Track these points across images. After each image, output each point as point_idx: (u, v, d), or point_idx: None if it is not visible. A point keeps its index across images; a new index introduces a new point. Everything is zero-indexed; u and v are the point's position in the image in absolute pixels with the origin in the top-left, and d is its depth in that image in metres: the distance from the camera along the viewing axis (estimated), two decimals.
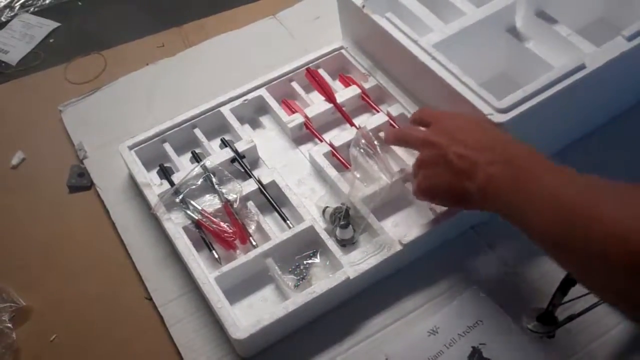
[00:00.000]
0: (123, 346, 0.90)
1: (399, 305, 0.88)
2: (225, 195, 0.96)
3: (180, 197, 0.97)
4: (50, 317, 0.95)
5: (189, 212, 0.95)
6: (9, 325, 0.92)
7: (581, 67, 0.93)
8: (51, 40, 1.35)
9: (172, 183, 0.99)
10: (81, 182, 1.09)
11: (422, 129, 0.87)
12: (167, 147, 1.05)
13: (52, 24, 1.37)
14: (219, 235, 0.93)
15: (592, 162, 0.99)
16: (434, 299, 0.88)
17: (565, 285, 0.78)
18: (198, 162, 1.01)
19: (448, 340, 0.83)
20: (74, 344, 0.92)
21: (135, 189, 1.05)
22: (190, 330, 0.89)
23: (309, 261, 0.92)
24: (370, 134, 0.98)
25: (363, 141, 0.97)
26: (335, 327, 0.87)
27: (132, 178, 1.05)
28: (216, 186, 0.98)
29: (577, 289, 0.79)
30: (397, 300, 0.89)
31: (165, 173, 1.01)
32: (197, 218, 0.94)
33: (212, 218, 0.94)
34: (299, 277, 0.90)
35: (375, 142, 0.98)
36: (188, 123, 1.07)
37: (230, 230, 0.93)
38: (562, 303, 0.76)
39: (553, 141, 1.00)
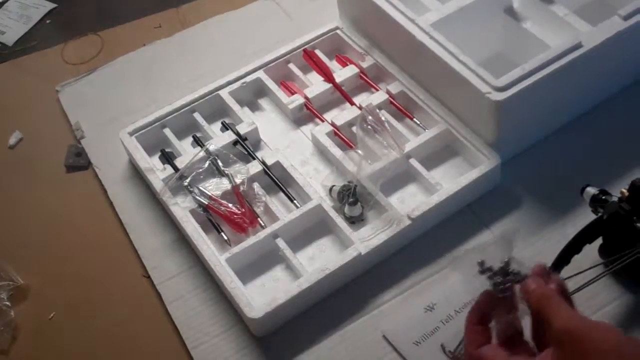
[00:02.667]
0: (121, 323, 0.92)
1: (399, 282, 0.89)
2: (234, 178, 0.96)
3: (187, 181, 0.97)
4: (48, 295, 0.96)
5: (197, 196, 0.95)
6: (7, 303, 0.93)
7: (578, 46, 0.94)
8: (48, 21, 1.34)
9: (175, 168, 0.99)
10: (79, 162, 1.09)
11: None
12: (168, 132, 1.06)
13: (48, 5, 1.36)
14: (229, 218, 0.93)
15: (590, 141, 1.00)
16: (431, 276, 0.89)
17: (560, 263, 0.78)
18: (200, 146, 1.02)
19: (444, 317, 0.84)
20: (73, 321, 0.93)
21: (133, 169, 1.05)
22: (188, 308, 0.90)
23: None
24: (377, 110, 0.99)
25: (370, 118, 0.98)
26: (342, 305, 0.88)
27: (132, 163, 1.05)
28: (223, 169, 0.97)
29: (572, 267, 0.79)
30: (398, 277, 0.90)
31: (168, 158, 1.01)
32: (206, 202, 0.94)
33: (221, 201, 0.94)
34: None
35: (382, 118, 0.98)
36: (187, 107, 1.08)
37: (240, 212, 0.93)
38: None
39: (550, 120, 1.02)
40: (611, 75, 1.03)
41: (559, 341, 0.56)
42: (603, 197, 0.83)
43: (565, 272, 0.79)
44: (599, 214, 0.83)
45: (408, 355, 0.82)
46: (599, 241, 0.84)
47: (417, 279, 0.89)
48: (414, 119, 1.03)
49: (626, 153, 0.99)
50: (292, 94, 1.08)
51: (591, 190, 0.85)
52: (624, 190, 0.81)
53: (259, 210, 0.94)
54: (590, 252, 0.83)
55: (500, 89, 0.91)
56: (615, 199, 0.82)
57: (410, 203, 0.94)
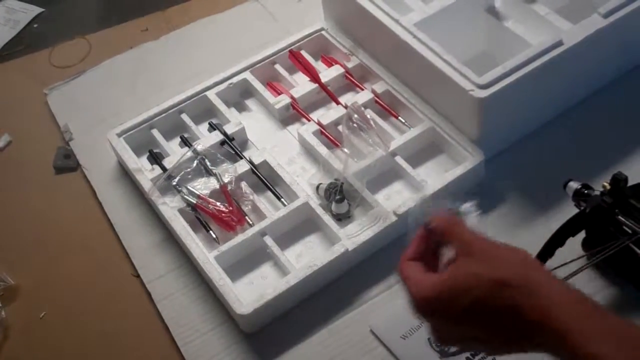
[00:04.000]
0: (111, 322, 0.92)
1: (386, 278, 0.91)
2: (222, 177, 0.97)
3: (176, 181, 0.98)
4: (39, 295, 0.96)
5: (185, 195, 0.96)
6: None
7: (559, 44, 0.96)
8: (35, 25, 1.35)
9: (163, 168, 1.00)
10: (67, 164, 1.10)
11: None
12: (155, 132, 1.07)
13: (35, 9, 1.37)
14: (217, 216, 0.94)
15: (572, 137, 1.02)
16: None
17: (543, 256, 0.80)
18: (188, 146, 1.03)
19: None
20: (63, 320, 0.94)
21: (121, 170, 1.06)
22: (178, 306, 0.91)
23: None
24: (362, 108, 1.01)
25: (356, 116, 0.99)
26: (330, 301, 0.89)
27: (120, 164, 1.06)
28: (211, 169, 0.98)
29: (555, 260, 0.81)
30: (385, 273, 0.91)
31: (156, 158, 1.02)
32: (195, 202, 0.95)
33: (209, 200, 0.95)
34: None
35: (368, 116, 0.99)
36: (175, 109, 1.09)
37: (228, 211, 0.94)
38: None
39: (533, 116, 1.03)
40: (592, 72, 1.05)
41: (468, 251, 0.60)
42: (585, 191, 0.85)
43: (549, 264, 0.80)
44: (582, 208, 0.85)
45: (395, 349, 0.83)
46: (582, 234, 0.85)
47: (396, 275, 0.90)
48: (399, 118, 1.05)
49: (608, 148, 1.00)
50: (279, 94, 1.09)
51: (573, 185, 0.86)
52: (606, 184, 0.83)
53: (246, 208, 0.95)
54: (574, 245, 0.84)
55: (483, 87, 0.93)
56: (597, 192, 0.84)
57: (396, 200, 0.96)
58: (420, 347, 0.82)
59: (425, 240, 0.65)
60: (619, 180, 0.81)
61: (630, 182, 0.83)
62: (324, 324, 0.87)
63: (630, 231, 0.81)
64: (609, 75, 1.08)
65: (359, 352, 0.84)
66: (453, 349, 0.80)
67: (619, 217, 0.81)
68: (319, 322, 0.87)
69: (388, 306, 0.87)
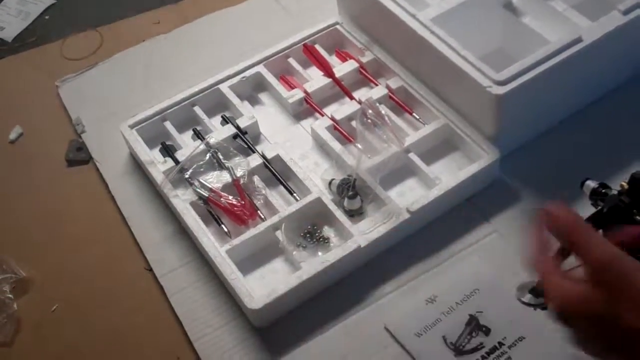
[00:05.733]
0: (123, 316, 0.92)
1: (400, 275, 0.90)
2: (234, 171, 0.97)
3: (188, 174, 0.98)
4: (50, 288, 0.96)
5: (197, 188, 0.96)
6: (10, 295, 0.93)
7: (578, 41, 0.95)
8: (46, 17, 1.34)
9: (176, 160, 0.99)
10: (79, 156, 1.09)
11: None
12: (168, 125, 1.06)
13: (47, 1, 1.37)
14: (230, 210, 0.94)
15: (589, 135, 1.01)
16: (432, 269, 0.90)
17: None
18: (201, 139, 1.02)
19: (446, 309, 0.84)
20: (75, 314, 0.93)
21: (134, 163, 1.06)
22: (190, 300, 0.91)
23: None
24: (377, 104, 1.00)
25: (370, 111, 0.99)
26: (342, 297, 0.89)
27: (132, 155, 1.05)
28: (224, 162, 0.98)
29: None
30: (398, 270, 0.90)
31: (169, 151, 1.02)
32: (207, 195, 0.95)
33: (222, 194, 0.94)
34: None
35: (382, 112, 0.98)
36: (187, 101, 1.08)
37: (240, 204, 0.94)
38: None
39: (550, 114, 1.02)
40: (611, 69, 1.03)
41: (598, 277, 0.56)
42: (603, 191, 0.84)
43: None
44: (599, 207, 0.84)
45: (410, 346, 0.82)
46: None
47: (417, 271, 0.90)
48: (414, 114, 1.04)
49: (626, 147, 0.99)
50: (292, 88, 1.09)
51: (591, 184, 0.85)
52: (624, 183, 0.82)
53: (259, 203, 0.95)
54: None
55: (501, 83, 0.92)
56: (615, 192, 0.83)
57: (409, 197, 0.95)
58: (435, 345, 0.82)
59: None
60: (637, 180, 0.80)
61: None
62: (337, 320, 0.86)
63: None
64: (628, 73, 1.07)
65: (372, 349, 0.83)
66: (469, 347, 0.80)
67: (637, 217, 0.80)
68: (331, 318, 0.87)
69: (402, 303, 0.87)
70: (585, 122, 1.03)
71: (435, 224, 0.94)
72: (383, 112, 0.99)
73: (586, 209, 0.84)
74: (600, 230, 0.84)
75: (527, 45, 0.99)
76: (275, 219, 0.92)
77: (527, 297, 0.74)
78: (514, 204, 0.96)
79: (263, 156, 0.99)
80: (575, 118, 1.04)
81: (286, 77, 1.12)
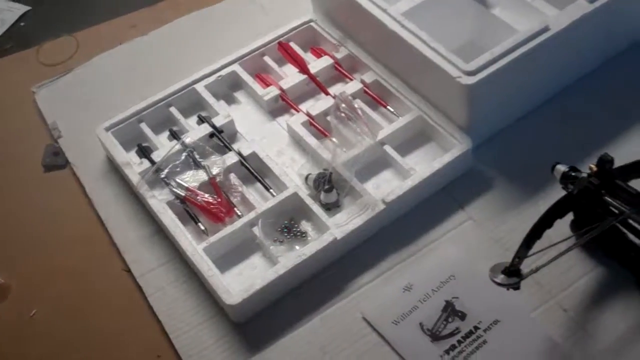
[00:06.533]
0: (103, 317, 0.92)
1: (377, 265, 0.91)
2: (210, 170, 0.97)
3: (164, 174, 0.98)
4: (29, 293, 0.96)
5: (173, 188, 0.96)
6: None
7: (545, 30, 0.96)
8: (22, 24, 1.35)
9: (152, 161, 1.00)
10: (56, 161, 1.09)
11: None
12: (144, 126, 1.06)
13: (22, 8, 1.37)
14: (206, 208, 0.94)
15: (560, 121, 1.02)
16: (408, 258, 0.91)
17: (531, 238, 0.80)
18: (177, 139, 1.02)
19: (422, 296, 0.85)
20: (54, 317, 0.93)
21: (110, 166, 1.06)
22: (169, 299, 0.92)
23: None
24: (350, 98, 1.01)
25: (343, 105, 1.00)
26: (320, 289, 0.90)
27: (109, 158, 1.06)
28: (200, 161, 0.99)
29: (546, 240, 0.81)
30: (375, 260, 0.91)
31: (145, 152, 1.02)
32: (183, 194, 0.95)
33: (198, 192, 0.95)
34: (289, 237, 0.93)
35: (355, 106, 0.99)
36: (163, 102, 1.08)
37: (216, 202, 0.94)
38: (528, 256, 0.77)
39: (521, 102, 1.04)
40: (579, 57, 1.05)
41: None
42: (573, 174, 0.85)
43: (537, 246, 0.80)
44: (570, 190, 0.85)
45: (387, 334, 0.83)
46: (570, 217, 0.85)
47: (394, 261, 0.91)
48: (388, 107, 1.05)
49: (595, 131, 1.01)
50: (268, 86, 1.09)
51: (561, 168, 0.86)
52: (592, 166, 0.83)
53: (235, 200, 0.95)
54: (563, 227, 0.84)
55: (470, 73, 0.93)
56: (584, 174, 0.84)
57: (385, 188, 0.96)
58: (411, 332, 0.82)
59: None
60: (605, 162, 0.82)
61: (618, 164, 0.83)
62: (316, 312, 0.87)
63: (617, 211, 0.81)
64: (596, 60, 1.09)
65: (351, 339, 0.84)
66: (446, 332, 0.81)
67: (606, 198, 0.81)
68: (310, 310, 0.87)
69: (379, 293, 0.88)
70: (555, 110, 1.05)
71: (411, 214, 0.95)
72: (357, 106, 1.00)
73: (557, 193, 0.86)
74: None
75: (498, 36, 1.00)
76: (251, 215, 0.92)
77: (500, 278, 0.75)
78: (488, 191, 0.97)
79: (239, 154, 1.00)
80: (546, 106, 1.05)
81: (262, 75, 1.12)
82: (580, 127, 1.02)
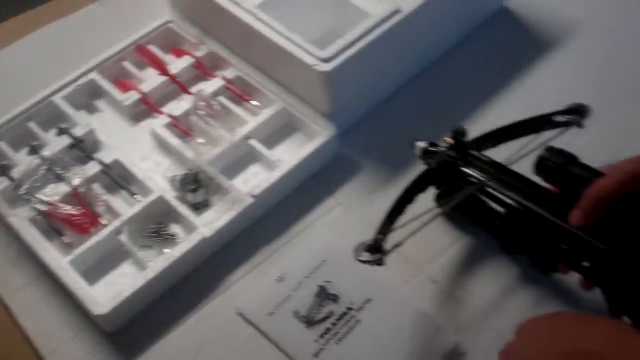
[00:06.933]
0: None
1: (249, 259, 0.90)
2: (71, 181, 0.94)
3: (24, 190, 0.95)
4: None
5: (35, 204, 0.93)
6: None
7: (396, 12, 0.98)
8: None
9: (11, 179, 0.96)
10: None
11: None
12: (2, 144, 1.02)
13: None
14: (70, 220, 0.92)
15: (423, 101, 1.05)
16: (281, 248, 0.91)
17: (393, 213, 0.81)
18: (36, 153, 0.99)
19: (295, 284, 0.85)
20: None
21: None
22: (39, 317, 0.88)
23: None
24: (209, 95, 1.01)
25: (202, 104, 0.98)
26: (193, 290, 0.88)
27: None
28: (60, 174, 0.96)
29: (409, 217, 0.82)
30: (248, 254, 0.91)
31: (3, 170, 0.98)
32: (44, 209, 0.92)
33: (60, 205, 0.92)
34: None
35: (213, 103, 0.99)
36: (21, 117, 1.04)
37: (80, 214, 0.91)
38: (391, 231, 0.78)
39: (382, 85, 1.06)
40: (435, 36, 1.07)
41: None
42: (432, 149, 0.87)
43: (402, 220, 0.81)
44: (429, 165, 0.87)
45: (263, 326, 0.82)
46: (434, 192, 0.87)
47: (267, 253, 0.90)
48: (251, 101, 1.04)
49: (455, 107, 1.03)
50: (127, 90, 1.07)
51: (420, 144, 0.88)
52: (448, 139, 0.85)
53: (101, 209, 0.93)
54: (429, 203, 0.86)
55: (327, 60, 0.93)
56: (443, 148, 0.86)
57: (253, 182, 0.95)
58: (287, 321, 0.82)
59: None
60: (458, 133, 0.84)
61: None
62: (190, 313, 0.86)
63: (475, 180, 0.83)
64: (451, 40, 1.11)
65: (227, 335, 0.83)
66: (320, 316, 0.81)
67: (463, 168, 0.83)
68: (184, 311, 0.86)
69: (252, 287, 0.87)
70: (417, 90, 1.07)
71: (282, 205, 0.95)
72: (215, 102, 0.99)
73: (421, 170, 0.87)
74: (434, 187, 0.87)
75: (356, 23, 1.01)
76: (116, 223, 0.90)
77: (363, 255, 0.76)
78: (356, 176, 0.98)
79: (101, 162, 0.97)
80: (408, 87, 1.07)
81: (122, 80, 1.10)
82: (442, 105, 1.05)
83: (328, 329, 0.81)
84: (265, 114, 1.01)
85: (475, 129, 0.86)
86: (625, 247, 0.69)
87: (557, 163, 0.74)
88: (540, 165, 0.75)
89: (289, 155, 0.98)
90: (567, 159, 0.75)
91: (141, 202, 0.92)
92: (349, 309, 0.82)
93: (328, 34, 1.09)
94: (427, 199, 0.86)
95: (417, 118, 1.03)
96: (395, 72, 1.05)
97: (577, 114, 0.86)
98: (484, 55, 1.11)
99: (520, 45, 1.12)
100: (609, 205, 0.69)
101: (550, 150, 0.76)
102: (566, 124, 0.87)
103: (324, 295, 0.84)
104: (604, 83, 1.05)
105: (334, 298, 0.83)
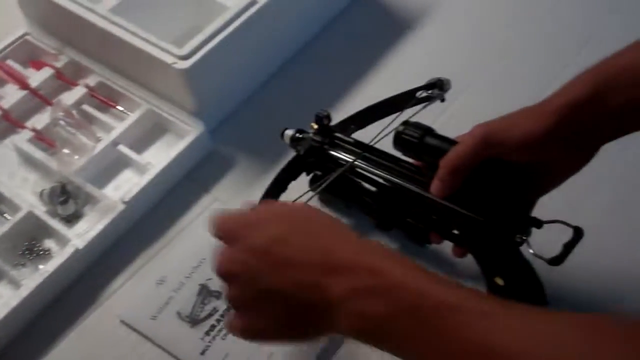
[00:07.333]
0: None
1: (128, 266, 0.89)
2: None
3: None
4: None
5: None
6: None
7: (253, 3, 0.98)
8: None
9: None
10: None
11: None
12: None
13: None
14: None
15: (292, 89, 1.06)
16: (160, 251, 0.90)
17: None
18: None
19: (176, 285, 0.84)
20: None
21: None
22: None
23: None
24: (66, 105, 0.99)
25: (61, 114, 0.96)
26: (73, 303, 0.86)
27: None
28: None
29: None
30: (126, 261, 0.90)
31: None
32: None
33: None
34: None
35: (73, 112, 0.98)
36: None
37: None
38: None
39: (249, 77, 1.06)
40: (298, 24, 1.09)
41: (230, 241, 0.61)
42: (299, 136, 0.88)
43: None
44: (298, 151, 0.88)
45: (146, 331, 0.82)
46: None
47: (145, 258, 0.89)
48: (117, 107, 1.03)
49: (324, 93, 1.05)
50: None
51: (289, 132, 0.89)
52: (313, 124, 0.86)
53: None
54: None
55: (185, 57, 0.93)
56: (310, 134, 0.87)
57: (125, 188, 0.93)
58: (170, 323, 0.82)
59: None
60: (322, 118, 0.85)
61: None
62: (71, 327, 0.84)
63: (343, 162, 0.84)
64: (314, 27, 1.13)
65: (111, 344, 0.82)
66: (204, 314, 0.81)
67: (330, 152, 0.85)
68: (66, 326, 0.84)
69: (133, 293, 0.86)
70: (286, 79, 1.08)
71: (158, 207, 0.94)
72: (76, 112, 0.97)
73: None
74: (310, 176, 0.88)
75: (216, 17, 1.01)
76: None
77: None
78: (231, 170, 0.98)
79: None
80: (277, 76, 1.08)
81: None
82: (311, 92, 1.06)
83: (213, 326, 0.81)
84: (132, 118, 1.00)
85: (344, 112, 0.88)
86: (489, 212, 0.72)
87: (413, 136, 0.76)
88: (398, 139, 0.77)
89: (161, 157, 0.97)
90: (424, 131, 0.77)
91: (10, 220, 0.89)
92: None
93: (192, 30, 1.09)
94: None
95: (288, 107, 1.04)
96: (260, 64, 1.06)
97: (437, 88, 0.89)
98: (346, 40, 1.13)
99: (380, 28, 1.15)
100: (466, 171, 0.71)
101: (406, 123, 0.78)
102: (428, 99, 0.89)
103: (206, 292, 0.84)
104: (463, 57, 1.09)
105: (217, 295, 0.83)
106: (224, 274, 0.60)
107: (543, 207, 0.73)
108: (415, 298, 0.51)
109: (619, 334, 0.45)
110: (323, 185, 0.83)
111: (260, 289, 0.57)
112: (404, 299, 0.51)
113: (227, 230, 0.61)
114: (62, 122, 0.96)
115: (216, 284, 0.84)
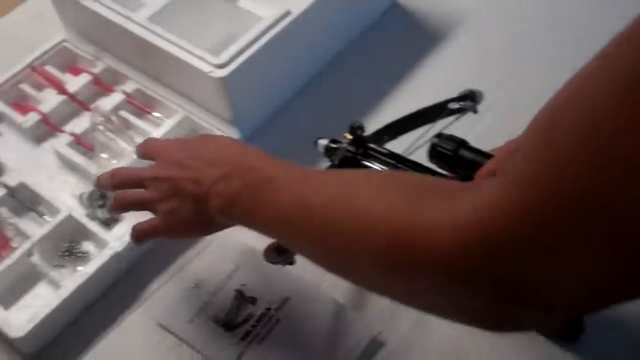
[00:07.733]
0: None
1: (165, 269, 0.91)
2: None
3: None
4: None
5: None
6: None
7: (287, 14, 1.00)
8: None
9: None
10: None
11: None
12: None
13: None
14: None
15: (327, 99, 1.08)
16: (196, 256, 0.92)
17: None
18: None
19: (212, 290, 0.86)
20: None
21: None
22: None
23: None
24: (107, 110, 1.02)
25: (100, 119, 0.98)
26: (112, 305, 0.89)
27: None
28: None
29: None
30: (163, 264, 0.92)
31: None
32: None
33: None
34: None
35: (112, 117, 1.00)
36: None
37: None
38: None
39: (284, 87, 1.08)
40: (329, 36, 1.10)
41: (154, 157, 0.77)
42: (334, 146, 0.89)
43: None
44: (332, 161, 0.89)
45: (183, 334, 0.84)
46: None
47: (181, 262, 0.91)
48: (153, 113, 1.05)
49: (357, 104, 1.06)
50: (27, 113, 1.06)
51: (322, 142, 0.90)
52: (347, 135, 0.88)
53: (10, 233, 0.92)
54: None
55: (222, 66, 0.95)
56: (344, 144, 0.89)
57: None
58: (206, 327, 0.84)
59: None
60: (355, 128, 0.87)
61: None
62: (109, 329, 0.86)
63: None
64: (347, 38, 1.15)
65: (149, 347, 0.84)
66: (239, 320, 0.82)
67: (363, 162, 0.86)
68: (102, 328, 0.86)
69: (170, 296, 0.88)
70: (319, 89, 1.10)
71: None
72: (115, 117, 0.99)
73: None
74: None
75: (249, 27, 1.03)
76: (26, 245, 0.89)
77: (274, 257, 0.77)
78: None
79: (5, 186, 0.96)
80: (311, 85, 1.10)
81: (20, 103, 1.09)
82: (344, 102, 1.08)
83: (248, 332, 0.83)
84: (168, 124, 1.02)
85: (378, 122, 0.89)
86: None
87: (447, 148, 0.78)
88: (433, 152, 0.79)
89: None
90: (457, 143, 0.78)
91: (50, 223, 0.92)
92: (268, 309, 0.84)
93: (225, 41, 1.11)
94: None
95: (321, 117, 1.06)
96: (294, 73, 1.08)
97: (470, 100, 0.91)
98: (380, 51, 1.15)
99: (413, 39, 1.16)
100: None
101: (440, 136, 0.79)
102: (460, 111, 0.91)
103: (242, 298, 0.85)
104: (496, 70, 1.10)
105: (252, 300, 0.85)
106: (151, 178, 0.73)
107: None
108: (258, 175, 0.65)
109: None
110: None
111: (172, 186, 0.71)
112: (252, 177, 0.65)
113: (151, 148, 0.78)
114: (101, 127, 0.98)
115: (251, 289, 0.86)
